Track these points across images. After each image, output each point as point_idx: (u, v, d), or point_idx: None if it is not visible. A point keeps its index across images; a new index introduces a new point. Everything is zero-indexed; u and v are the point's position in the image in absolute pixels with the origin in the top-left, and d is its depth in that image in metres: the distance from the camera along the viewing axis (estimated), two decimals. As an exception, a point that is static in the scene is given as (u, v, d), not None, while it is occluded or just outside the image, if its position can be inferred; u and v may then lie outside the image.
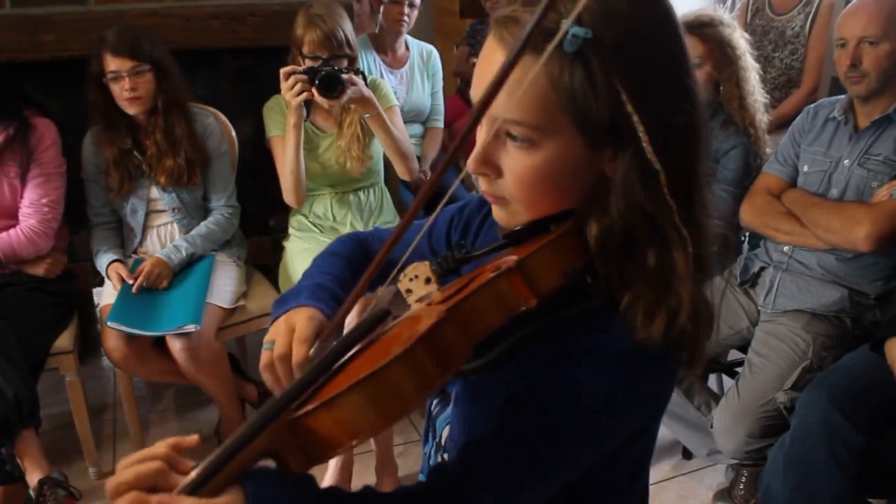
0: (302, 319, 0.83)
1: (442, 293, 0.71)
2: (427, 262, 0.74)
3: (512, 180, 0.71)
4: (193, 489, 0.55)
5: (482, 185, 0.75)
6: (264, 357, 0.84)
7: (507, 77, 0.59)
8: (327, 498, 0.63)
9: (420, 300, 0.73)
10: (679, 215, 0.68)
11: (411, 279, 0.74)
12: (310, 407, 0.59)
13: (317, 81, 2.11)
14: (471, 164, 0.72)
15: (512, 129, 0.69)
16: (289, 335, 0.82)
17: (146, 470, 0.58)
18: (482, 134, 0.71)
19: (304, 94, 2.11)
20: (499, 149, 0.71)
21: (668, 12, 0.69)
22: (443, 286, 0.74)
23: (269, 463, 0.62)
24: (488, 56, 0.69)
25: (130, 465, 0.59)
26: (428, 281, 0.73)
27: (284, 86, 2.13)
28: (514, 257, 0.70)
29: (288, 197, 2.31)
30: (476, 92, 0.71)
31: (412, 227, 0.98)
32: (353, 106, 2.26)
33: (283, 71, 2.14)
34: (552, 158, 0.69)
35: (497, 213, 0.76)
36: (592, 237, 0.71)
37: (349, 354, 0.65)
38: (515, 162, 0.70)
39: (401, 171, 2.38)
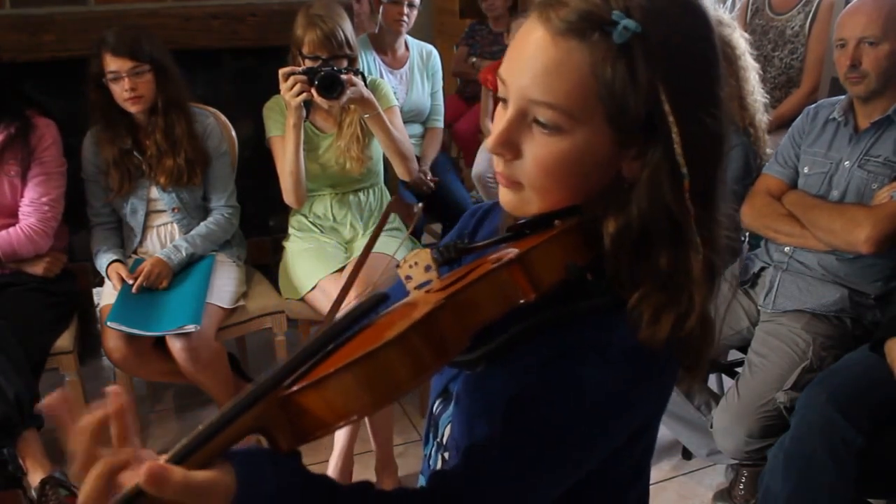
0: None
1: (441, 281, 0.71)
2: (428, 250, 0.74)
3: (532, 164, 0.70)
4: (180, 459, 0.54)
5: (497, 165, 0.74)
6: None
7: None
8: (317, 485, 0.63)
9: (419, 287, 0.73)
10: (696, 219, 0.68)
11: (411, 266, 0.74)
12: (301, 385, 0.59)
13: (316, 82, 2.11)
14: (490, 142, 0.71)
15: (541, 113, 0.68)
16: None
17: (84, 425, 0.58)
18: (506, 113, 0.70)
19: (304, 94, 2.11)
20: (522, 131, 0.70)
21: (708, 23, 0.70)
22: (443, 275, 0.74)
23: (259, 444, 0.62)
24: (527, 35, 0.68)
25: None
26: (428, 269, 0.73)
27: (284, 86, 2.12)
28: (515, 249, 0.69)
29: (288, 197, 2.31)
30: (507, 70, 0.70)
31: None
32: (352, 106, 2.26)
33: (282, 72, 2.13)
34: (577, 148, 0.68)
35: (506, 197, 0.75)
36: (608, 234, 0.70)
37: (345, 337, 0.65)
38: (539, 147, 0.69)
39: (400, 172, 2.38)
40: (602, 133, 0.68)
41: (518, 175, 0.72)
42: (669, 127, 0.65)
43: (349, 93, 2.14)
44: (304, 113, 2.19)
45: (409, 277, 0.74)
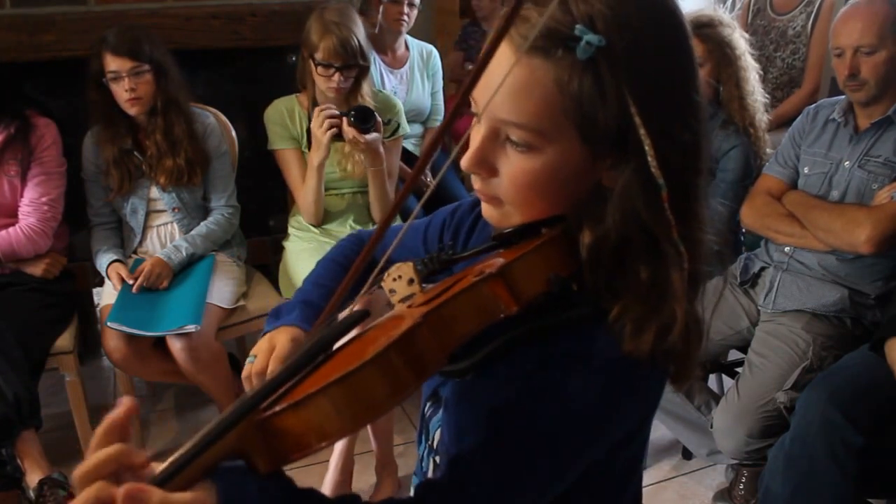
0: (283, 340, 0.89)
1: (425, 294, 0.71)
2: (411, 263, 0.74)
3: (508, 182, 0.70)
4: (160, 483, 0.54)
5: (475, 183, 0.73)
6: (245, 369, 0.90)
7: (488, 63, 0.58)
8: (301, 498, 0.62)
9: (403, 301, 0.72)
10: (677, 231, 0.67)
11: (395, 279, 0.73)
12: (278, 408, 0.58)
13: (352, 112, 2.15)
14: (465, 162, 0.70)
15: (513, 133, 0.67)
16: (269, 352, 0.88)
17: (106, 454, 0.56)
18: (478, 133, 0.69)
19: (333, 129, 2.15)
20: (496, 149, 0.69)
21: (680, 26, 0.67)
22: (427, 287, 0.73)
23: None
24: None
25: (95, 450, 0.58)
26: (411, 282, 0.73)
27: (315, 121, 2.16)
28: (499, 260, 0.69)
29: (308, 219, 2.38)
30: (476, 89, 0.67)
31: (409, 229, 0.99)
32: (358, 156, 2.29)
33: (317, 109, 2.17)
34: (551, 164, 0.67)
35: (488, 212, 0.75)
36: (584, 246, 0.70)
37: (324, 356, 0.64)
38: (513, 165, 0.69)
39: (374, 213, 2.43)
40: (575, 147, 0.67)
41: (496, 192, 0.71)
42: (641, 139, 0.64)
43: (374, 135, 2.18)
44: (329, 153, 2.22)
45: (392, 291, 0.73)
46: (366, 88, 2.27)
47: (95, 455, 0.57)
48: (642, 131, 0.63)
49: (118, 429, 0.59)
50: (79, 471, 0.56)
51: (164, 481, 0.54)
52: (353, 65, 2.19)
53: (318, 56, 2.18)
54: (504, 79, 0.64)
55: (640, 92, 0.63)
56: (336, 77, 2.19)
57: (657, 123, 0.64)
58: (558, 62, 0.63)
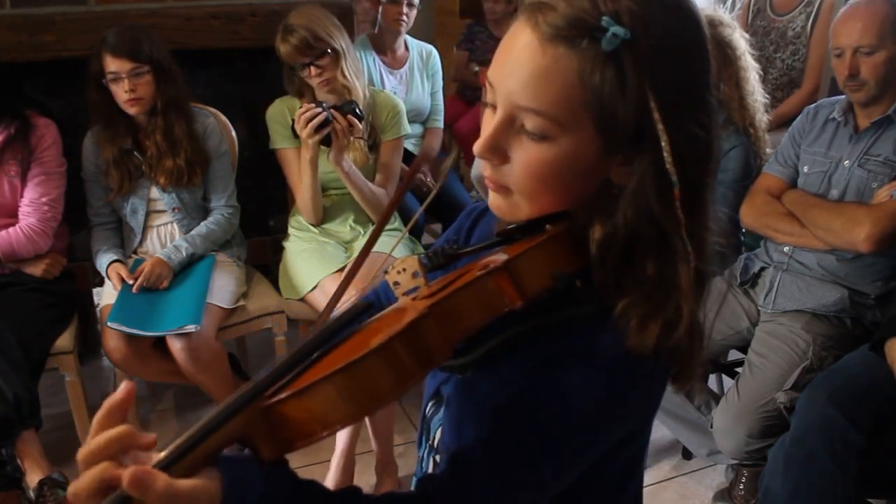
0: None
1: (429, 288, 0.71)
2: (416, 256, 0.74)
3: (519, 170, 0.70)
4: (163, 467, 0.54)
5: (486, 170, 0.73)
6: None
7: (371, 248, 0.60)
8: (306, 491, 0.62)
9: (407, 294, 0.73)
10: (686, 229, 0.68)
11: (399, 272, 0.74)
12: (283, 395, 0.58)
13: (349, 105, 2.19)
14: (478, 147, 0.70)
15: (529, 120, 0.67)
16: None
17: (111, 435, 0.57)
18: (494, 118, 0.70)
19: (318, 135, 2.16)
20: (510, 137, 0.69)
21: (700, 27, 0.69)
22: (431, 281, 0.73)
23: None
24: (515, 39, 0.68)
25: (96, 434, 0.58)
26: (415, 275, 0.73)
27: (298, 125, 2.18)
28: (503, 256, 0.69)
29: (307, 217, 2.39)
30: (495, 74, 0.69)
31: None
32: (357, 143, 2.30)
33: (298, 112, 2.18)
34: (565, 154, 0.68)
35: (496, 202, 0.75)
36: (594, 241, 0.70)
37: (329, 345, 0.65)
38: (526, 153, 0.69)
39: (368, 213, 2.42)
40: (590, 140, 0.67)
41: (506, 180, 0.72)
42: (658, 135, 0.64)
43: (363, 125, 2.24)
44: (319, 149, 2.23)
45: (397, 283, 0.74)
46: (344, 70, 2.26)
47: (101, 435, 0.57)
48: (660, 127, 0.64)
49: (118, 412, 0.59)
50: (83, 451, 0.56)
51: (168, 466, 0.54)
52: (320, 54, 2.20)
53: (290, 62, 2.22)
54: (508, 45, 0.64)
55: (660, 88, 0.64)
56: (314, 71, 2.20)
57: (674, 121, 0.65)
58: (582, 52, 0.64)
